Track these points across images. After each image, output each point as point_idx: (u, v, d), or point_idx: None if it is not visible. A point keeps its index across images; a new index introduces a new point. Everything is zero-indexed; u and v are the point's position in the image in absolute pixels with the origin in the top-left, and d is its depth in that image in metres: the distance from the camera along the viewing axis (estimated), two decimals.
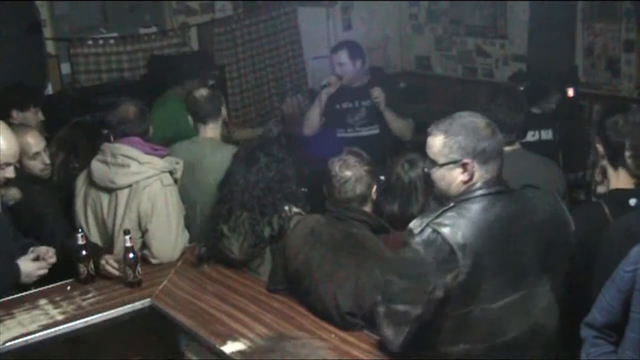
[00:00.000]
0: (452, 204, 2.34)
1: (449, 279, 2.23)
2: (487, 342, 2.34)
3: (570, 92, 5.07)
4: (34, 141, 3.53)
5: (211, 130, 3.83)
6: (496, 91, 3.49)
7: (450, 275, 2.23)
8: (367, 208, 2.93)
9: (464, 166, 2.35)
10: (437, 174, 2.40)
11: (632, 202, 2.68)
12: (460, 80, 6.70)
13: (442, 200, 2.49)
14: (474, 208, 2.31)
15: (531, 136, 4.43)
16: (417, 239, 2.28)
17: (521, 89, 4.53)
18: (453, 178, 2.38)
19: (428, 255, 2.25)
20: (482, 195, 2.34)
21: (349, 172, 2.87)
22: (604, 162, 2.80)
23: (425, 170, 2.48)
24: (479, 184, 2.36)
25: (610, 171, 2.79)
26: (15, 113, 4.13)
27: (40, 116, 4.26)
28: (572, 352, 2.43)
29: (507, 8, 6.18)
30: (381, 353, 2.54)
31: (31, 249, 3.21)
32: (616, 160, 2.76)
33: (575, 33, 5.68)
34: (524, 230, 2.36)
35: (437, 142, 2.39)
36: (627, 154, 2.64)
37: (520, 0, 6.02)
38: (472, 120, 2.41)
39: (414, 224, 2.31)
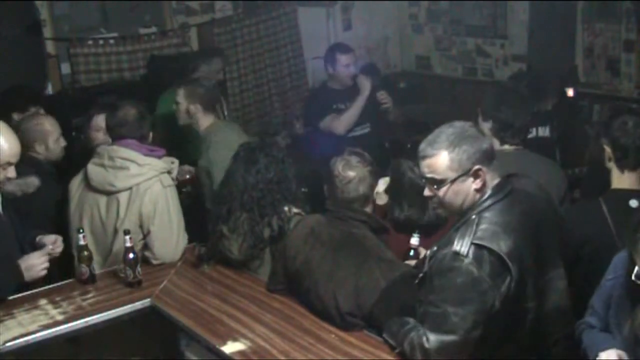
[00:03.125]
0: (473, 216, 2.33)
1: (503, 288, 2.26)
2: (528, 337, 2.39)
3: (570, 92, 5.07)
4: (55, 126, 3.86)
5: None
6: (503, 92, 3.48)
7: (504, 285, 2.26)
8: (368, 209, 2.93)
9: (476, 173, 2.35)
10: (451, 190, 2.36)
11: (633, 203, 2.69)
12: (460, 80, 6.70)
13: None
14: (498, 214, 2.32)
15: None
16: (467, 260, 2.25)
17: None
18: (467, 190, 2.36)
19: (483, 273, 2.24)
20: (499, 200, 2.35)
21: (352, 172, 2.86)
22: (610, 164, 2.80)
23: (428, 193, 2.42)
24: (490, 190, 2.37)
25: (616, 172, 2.79)
26: (15, 116, 4.15)
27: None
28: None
29: (507, 8, 6.18)
30: (381, 353, 2.54)
31: (38, 237, 3.21)
32: (624, 162, 2.76)
33: (575, 33, 5.68)
34: (537, 222, 2.40)
35: (441, 160, 2.35)
36: None
37: (520, 0, 6.02)
38: (462, 127, 2.40)
39: (459, 247, 2.27)
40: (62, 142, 3.90)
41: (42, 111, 4.28)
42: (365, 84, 4.69)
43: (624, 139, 2.73)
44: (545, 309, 2.42)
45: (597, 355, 2.23)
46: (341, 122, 4.70)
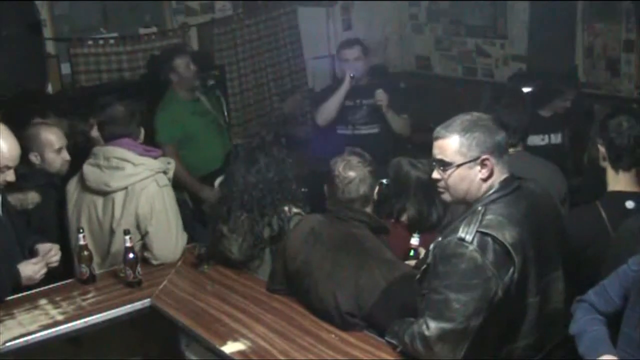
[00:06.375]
0: (479, 207, 2.34)
1: (507, 279, 2.27)
2: (531, 334, 2.40)
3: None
4: (57, 136, 3.60)
5: None
6: (500, 92, 3.48)
7: (507, 275, 2.26)
8: (369, 209, 2.93)
9: (484, 162, 2.37)
10: (456, 175, 2.39)
11: (629, 204, 2.69)
12: (460, 80, 6.70)
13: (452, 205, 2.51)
14: (504, 206, 2.34)
15: (540, 140, 4.42)
16: (471, 247, 2.26)
17: (528, 89, 4.52)
18: (473, 177, 2.39)
19: (487, 261, 2.25)
20: (506, 194, 2.37)
21: (353, 172, 2.87)
22: (605, 164, 2.80)
23: (436, 176, 2.45)
24: (498, 183, 2.39)
25: (611, 173, 2.79)
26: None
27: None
28: None
29: (507, 8, 6.17)
30: (381, 353, 2.54)
31: (36, 246, 3.21)
32: (619, 162, 2.76)
33: (575, 33, 5.67)
34: (541, 221, 2.42)
35: (452, 143, 2.38)
36: None
37: (520, 0, 6.02)
38: (479, 117, 2.45)
39: (464, 235, 2.28)
40: (66, 156, 3.62)
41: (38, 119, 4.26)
42: (346, 79, 4.70)
43: (619, 140, 2.73)
44: (547, 308, 2.43)
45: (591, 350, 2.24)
46: (318, 113, 4.80)
